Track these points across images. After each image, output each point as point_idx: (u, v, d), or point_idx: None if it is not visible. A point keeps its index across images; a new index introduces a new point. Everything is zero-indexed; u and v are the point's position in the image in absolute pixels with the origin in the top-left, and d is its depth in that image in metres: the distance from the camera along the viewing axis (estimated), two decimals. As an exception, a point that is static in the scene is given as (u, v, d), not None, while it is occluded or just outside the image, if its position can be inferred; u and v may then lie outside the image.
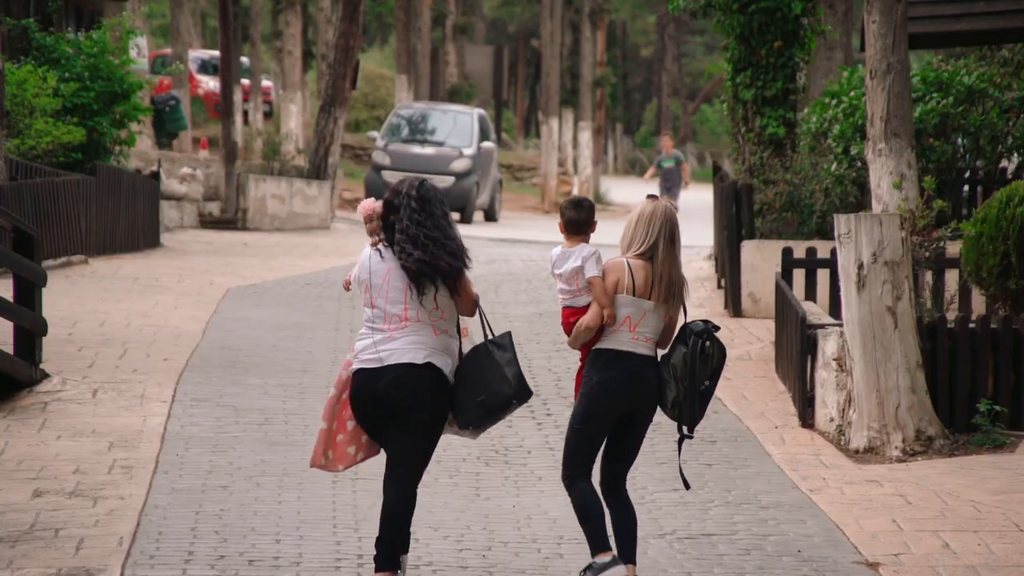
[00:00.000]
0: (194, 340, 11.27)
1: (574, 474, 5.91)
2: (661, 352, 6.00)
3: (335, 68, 23.12)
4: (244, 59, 34.86)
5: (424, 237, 5.79)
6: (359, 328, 6.09)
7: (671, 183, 25.24)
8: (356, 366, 5.88)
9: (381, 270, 5.85)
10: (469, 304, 5.88)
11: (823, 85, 18.72)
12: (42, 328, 9.58)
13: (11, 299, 9.48)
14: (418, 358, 5.79)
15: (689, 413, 5.95)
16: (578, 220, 5.92)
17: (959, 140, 13.61)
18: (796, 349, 9.43)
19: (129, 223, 16.86)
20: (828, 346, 9.04)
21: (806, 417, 9.16)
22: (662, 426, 9.09)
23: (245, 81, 33.55)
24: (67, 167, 16.08)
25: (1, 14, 16.52)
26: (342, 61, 23.02)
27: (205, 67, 34.54)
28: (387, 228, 5.89)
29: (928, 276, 10.57)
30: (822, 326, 9.25)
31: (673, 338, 5.99)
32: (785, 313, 10.07)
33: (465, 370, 5.87)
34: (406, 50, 35.13)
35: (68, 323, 11.52)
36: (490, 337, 5.96)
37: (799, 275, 11.77)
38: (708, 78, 54.28)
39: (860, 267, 8.55)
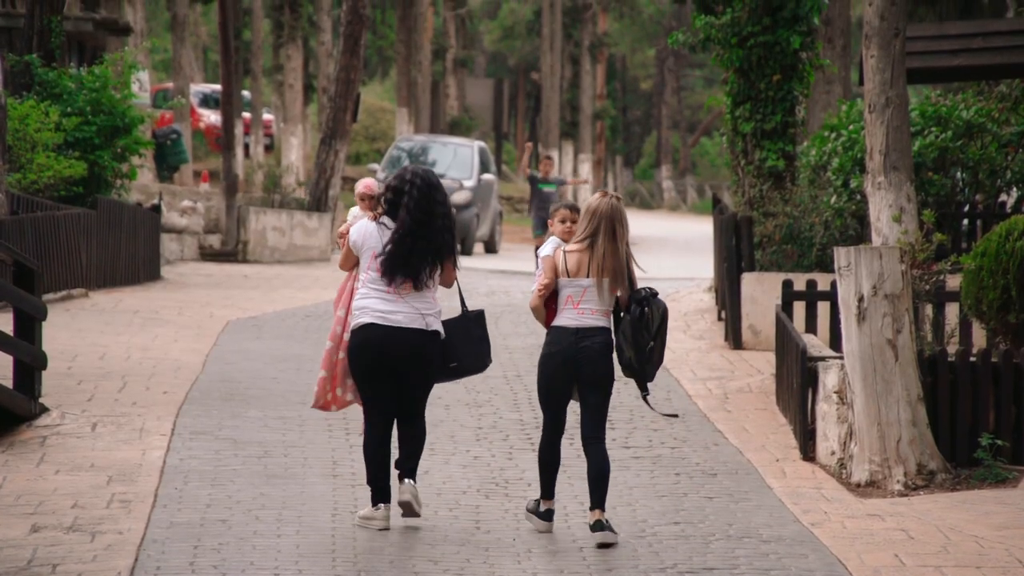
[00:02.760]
0: (194, 373, 11.26)
1: (543, 430, 7.20)
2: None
3: (336, 101, 23.20)
4: (245, 93, 34.99)
5: (429, 222, 7.03)
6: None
7: (546, 211, 21.72)
8: (366, 319, 7.11)
9: (388, 240, 7.06)
10: (450, 280, 7.19)
11: (822, 118, 18.76)
12: (42, 362, 9.57)
13: (11, 333, 9.48)
14: (428, 324, 7.11)
15: (640, 371, 7.01)
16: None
17: (958, 174, 13.64)
18: (797, 382, 9.42)
19: (130, 256, 16.87)
20: (829, 379, 9.03)
21: (807, 450, 9.13)
22: (662, 459, 9.06)
23: (246, 114, 33.66)
24: (68, 201, 16.11)
25: (4, 50, 16.60)
26: (343, 94, 23.10)
27: (207, 101, 34.67)
28: (392, 207, 7.09)
29: (928, 309, 10.56)
30: (823, 359, 9.24)
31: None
32: (785, 345, 10.07)
33: (445, 338, 7.20)
34: (407, 83, 35.25)
35: (68, 356, 11.51)
36: (467, 312, 7.25)
37: (799, 307, 11.77)
38: (707, 111, 54.38)
39: (860, 300, 8.55)
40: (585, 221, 7.04)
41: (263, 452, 8.88)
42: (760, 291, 12.94)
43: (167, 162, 27.45)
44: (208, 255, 21.22)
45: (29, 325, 9.54)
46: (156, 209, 18.50)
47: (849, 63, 20.77)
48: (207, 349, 12.42)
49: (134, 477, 8.21)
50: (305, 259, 22.23)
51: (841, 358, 8.94)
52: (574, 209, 7.19)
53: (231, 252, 21.43)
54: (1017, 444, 8.87)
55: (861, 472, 8.56)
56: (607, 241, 6.96)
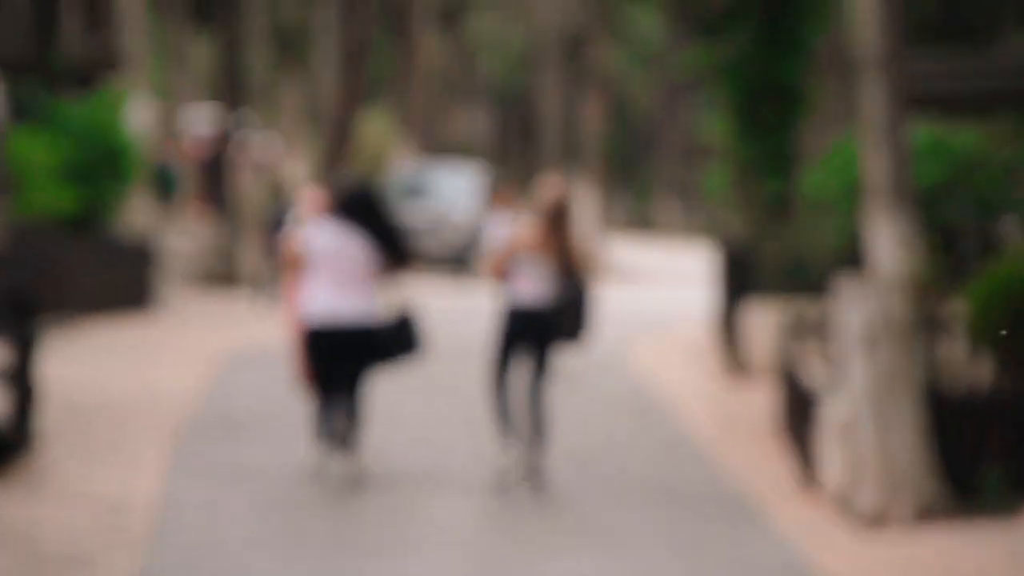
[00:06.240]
0: (191, 404, 11.19)
1: (492, 380, 8.62)
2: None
3: (334, 128, 23.21)
4: (244, 118, 35.00)
5: (374, 232, 8.44)
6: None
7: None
8: (313, 310, 8.43)
9: (332, 243, 8.45)
10: (392, 273, 8.54)
11: (822, 145, 18.75)
12: (37, 393, 9.50)
13: (7, 363, 9.41)
14: (362, 318, 8.46)
15: (558, 335, 8.55)
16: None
17: (959, 203, 13.61)
18: (798, 412, 9.35)
19: (127, 286, 16.82)
20: (832, 409, 8.96)
21: (810, 481, 9.05)
22: (659, 489, 8.97)
23: (245, 141, 33.66)
24: (65, 230, 16.06)
25: (1, 80, 16.59)
26: (341, 121, 23.11)
27: (204, 127, 34.66)
28: (346, 214, 8.42)
29: (932, 339, 10.49)
30: (825, 388, 9.17)
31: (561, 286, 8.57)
32: (786, 375, 10.00)
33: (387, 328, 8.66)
34: (404, 111, 35.33)
35: (64, 387, 11.43)
36: (400, 311, 8.57)
37: (800, 336, 11.68)
38: (708, 138, 54.40)
39: (863, 330, 8.49)
40: (547, 206, 8.47)
41: (261, 484, 8.80)
42: (760, 319, 12.88)
43: (164, 190, 27.44)
44: (206, 283, 21.16)
45: (25, 355, 9.47)
46: (153, 238, 18.45)
47: (849, 90, 20.78)
48: (205, 380, 12.35)
49: (129, 509, 8.13)
50: (304, 287, 22.13)
51: (844, 388, 8.87)
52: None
53: (229, 280, 21.37)
54: (1021, 473, 8.79)
55: (865, 503, 8.48)
56: (569, 225, 8.48)
